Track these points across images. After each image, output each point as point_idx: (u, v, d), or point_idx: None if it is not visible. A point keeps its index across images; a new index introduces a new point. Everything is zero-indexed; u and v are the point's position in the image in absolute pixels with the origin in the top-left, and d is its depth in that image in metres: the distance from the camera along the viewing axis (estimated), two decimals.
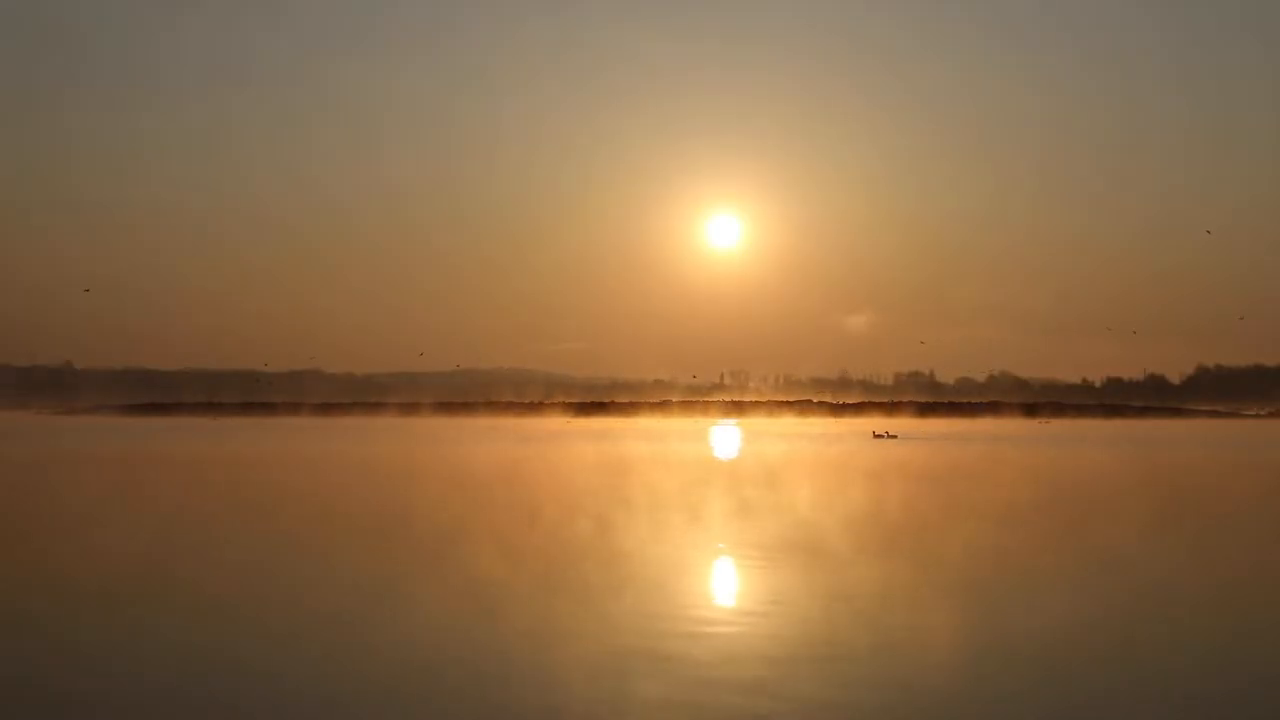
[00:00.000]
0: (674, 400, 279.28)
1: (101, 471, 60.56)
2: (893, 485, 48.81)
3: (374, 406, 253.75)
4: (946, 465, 65.94)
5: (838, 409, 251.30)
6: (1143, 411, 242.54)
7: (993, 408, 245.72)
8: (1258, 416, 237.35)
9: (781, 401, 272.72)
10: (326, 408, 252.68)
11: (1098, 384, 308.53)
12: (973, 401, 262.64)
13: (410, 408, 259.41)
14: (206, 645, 16.07)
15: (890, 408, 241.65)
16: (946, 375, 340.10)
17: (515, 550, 26.20)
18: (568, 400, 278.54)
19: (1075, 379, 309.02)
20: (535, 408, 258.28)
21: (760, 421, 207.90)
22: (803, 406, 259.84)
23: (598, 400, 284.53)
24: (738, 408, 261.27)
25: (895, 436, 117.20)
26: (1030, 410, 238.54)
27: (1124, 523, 33.73)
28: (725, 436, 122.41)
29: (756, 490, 45.41)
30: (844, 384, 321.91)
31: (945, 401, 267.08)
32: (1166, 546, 28.84)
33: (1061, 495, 45.02)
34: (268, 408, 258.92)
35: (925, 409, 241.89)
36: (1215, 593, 21.28)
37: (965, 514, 35.86)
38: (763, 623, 17.79)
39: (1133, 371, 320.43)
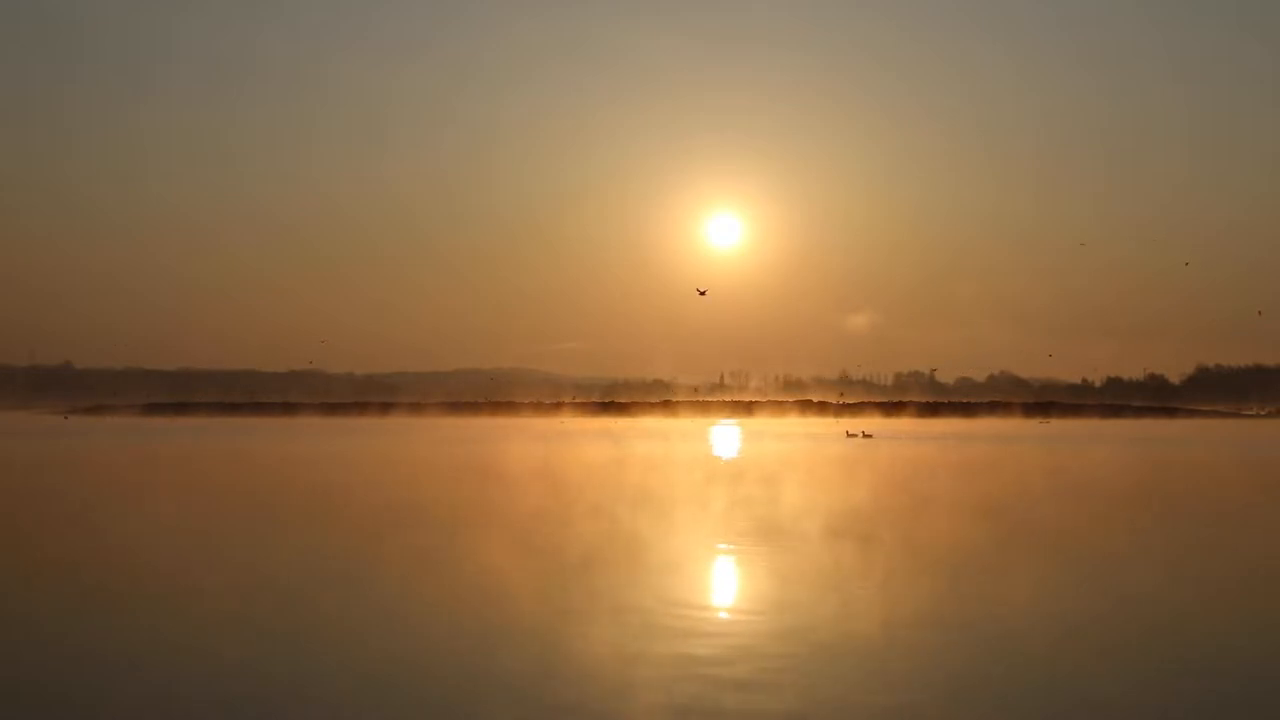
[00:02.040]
0: (674, 400, 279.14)
1: (105, 472, 60.59)
2: (859, 484, 48.92)
3: (372, 407, 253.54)
4: (914, 464, 65.96)
5: (838, 409, 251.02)
6: (1143, 411, 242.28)
7: (993, 408, 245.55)
8: (1258, 416, 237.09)
9: (782, 401, 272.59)
10: (327, 408, 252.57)
11: (1098, 384, 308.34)
12: (972, 401, 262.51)
13: (411, 408, 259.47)
14: (209, 645, 16.13)
15: (890, 408, 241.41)
16: (946, 375, 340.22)
17: (518, 548, 26.25)
18: (567, 400, 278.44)
19: (1075, 379, 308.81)
20: (535, 408, 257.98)
21: (760, 421, 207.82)
22: (803, 406, 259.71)
23: (598, 400, 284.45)
24: (738, 408, 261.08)
25: (871, 436, 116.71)
26: (1030, 410, 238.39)
27: (1106, 520, 33.77)
28: (724, 436, 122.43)
29: (752, 488, 45.49)
30: (844, 384, 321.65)
31: (945, 401, 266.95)
32: (1162, 544, 28.86)
33: (1033, 493, 45.01)
34: (267, 408, 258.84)
35: (925, 409, 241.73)
36: (1214, 589, 21.34)
37: (918, 512, 35.88)
38: (745, 612, 17.87)
39: (1133, 371, 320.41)
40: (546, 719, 12.57)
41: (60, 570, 23.45)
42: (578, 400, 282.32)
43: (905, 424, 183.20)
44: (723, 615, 18.69)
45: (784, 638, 16.58)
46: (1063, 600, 19.92)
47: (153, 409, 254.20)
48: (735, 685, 13.77)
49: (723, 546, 27.16)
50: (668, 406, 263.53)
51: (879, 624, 17.61)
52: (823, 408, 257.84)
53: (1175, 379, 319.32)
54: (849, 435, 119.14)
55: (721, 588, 21.89)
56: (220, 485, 49.68)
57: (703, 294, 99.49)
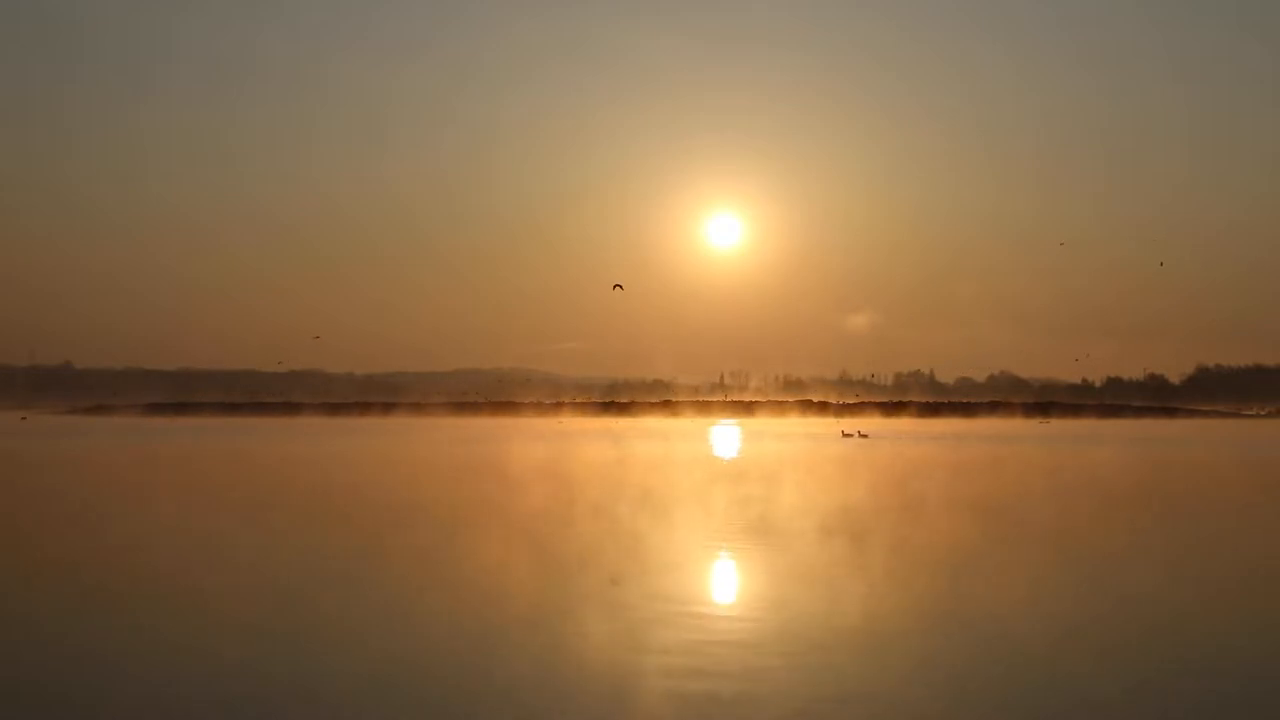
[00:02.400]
0: (674, 400, 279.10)
1: (105, 472, 60.58)
2: (859, 484, 48.92)
3: (372, 407, 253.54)
4: (914, 464, 65.93)
5: (839, 409, 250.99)
6: (1143, 411, 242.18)
7: (993, 408, 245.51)
8: (1258, 416, 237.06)
9: (782, 401, 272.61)
10: (327, 408, 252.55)
11: (1098, 384, 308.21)
12: (972, 401, 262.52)
13: (412, 408, 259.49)
14: (209, 645, 16.13)
15: (890, 408, 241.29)
16: (946, 375, 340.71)
17: (519, 548, 26.26)
18: (568, 400, 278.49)
19: (1075, 379, 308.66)
20: (536, 408, 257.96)
21: (761, 421, 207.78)
22: (803, 407, 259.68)
23: (598, 400, 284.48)
24: (738, 407, 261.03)
25: (866, 436, 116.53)
26: (1030, 410, 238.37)
27: (1106, 520, 33.75)
28: (724, 436, 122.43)
29: (751, 487, 45.49)
30: (844, 384, 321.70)
31: (945, 401, 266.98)
32: (1162, 544, 28.83)
33: (1033, 493, 45.00)
34: (268, 408, 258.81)
35: (925, 409, 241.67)
36: (1214, 589, 21.33)
37: (917, 511, 35.87)
38: (744, 612, 17.88)
39: (1133, 371, 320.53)
40: (546, 719, 12.57)
41: (60, 570, 23.45)
42: (578, 400, 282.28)
43: (904, 424, 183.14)
44: (721, 615, 18.67)
45: (782, 637, 16.58)
46: (1063, 600, 19.92)
47: (153, 409, 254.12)
48: (734, 685, 13.77)
49: (722, 546, 27.16)
50: (668, 406, 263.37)
51: (878, 624, 17.61)
52: (823, 408, 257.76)
53: (1175, 379, 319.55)
54: (844, 435, 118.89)
55: (720, 587, 21.89)
56: (221, 485, 49.67)
57: (619, 288, 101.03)
